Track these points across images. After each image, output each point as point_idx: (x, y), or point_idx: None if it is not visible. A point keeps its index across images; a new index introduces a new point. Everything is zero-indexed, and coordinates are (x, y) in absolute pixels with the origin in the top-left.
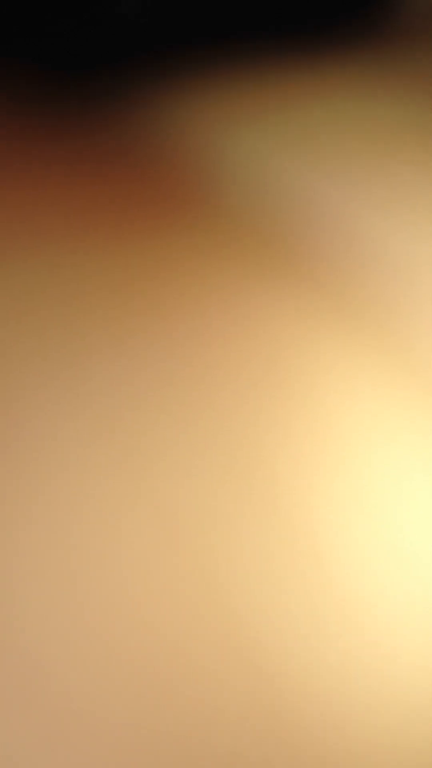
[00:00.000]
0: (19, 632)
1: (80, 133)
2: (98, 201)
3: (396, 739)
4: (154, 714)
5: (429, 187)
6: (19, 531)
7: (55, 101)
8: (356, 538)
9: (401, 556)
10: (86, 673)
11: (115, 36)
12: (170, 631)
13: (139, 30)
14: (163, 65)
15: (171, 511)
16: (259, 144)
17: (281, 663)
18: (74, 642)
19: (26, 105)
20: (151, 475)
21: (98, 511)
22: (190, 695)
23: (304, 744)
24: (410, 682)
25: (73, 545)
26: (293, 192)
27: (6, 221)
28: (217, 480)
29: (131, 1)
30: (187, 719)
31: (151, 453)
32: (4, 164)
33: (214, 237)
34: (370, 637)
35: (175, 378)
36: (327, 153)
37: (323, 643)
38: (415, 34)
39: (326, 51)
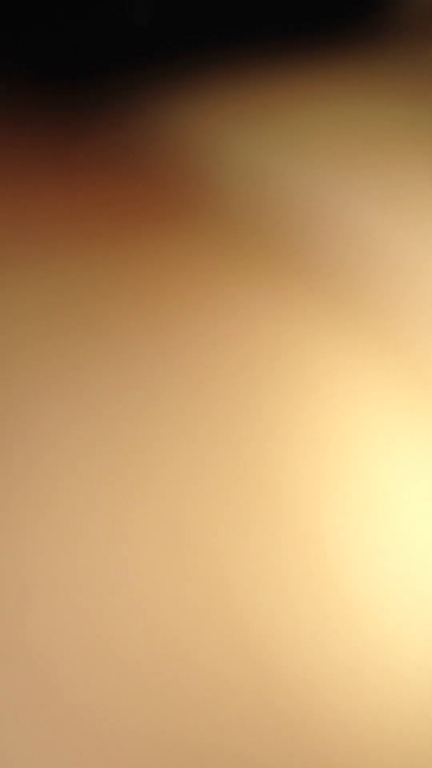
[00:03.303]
0: (25, 639)
1: (80, 138)
2: (99, 206)
3: (400, 738)
4: (158, 716)
5: (429, 188)
6: (22, 538)
7: (55, 107)
8: (360, 540)
9: (405, 557)
10: (92, 678)
11: (114, 42)
12: (175, 635)
13: (138, 35)
14: (162, 69)
15: (174, 516)
16: (259, 146)
17: (286, 666)
18: (79, 648)
19: (28, 111)
20: (152, 481)
21: (100, 518)
22: (195, 696)
23: (308, 743)
24: (414, 684)
25: (75, 553)
26: (294, 194)
27: (5, 227)
28: (220, 483)
29: (129, 7)
30: (191, 720)
31: (153, 459)
32: (5, 170)
33: (214, 240)
34: (374, 639)
35: (176, 383)
36: (327, 155)
37: (327, 645)
38: (415, 35)
39: (326, 53)
